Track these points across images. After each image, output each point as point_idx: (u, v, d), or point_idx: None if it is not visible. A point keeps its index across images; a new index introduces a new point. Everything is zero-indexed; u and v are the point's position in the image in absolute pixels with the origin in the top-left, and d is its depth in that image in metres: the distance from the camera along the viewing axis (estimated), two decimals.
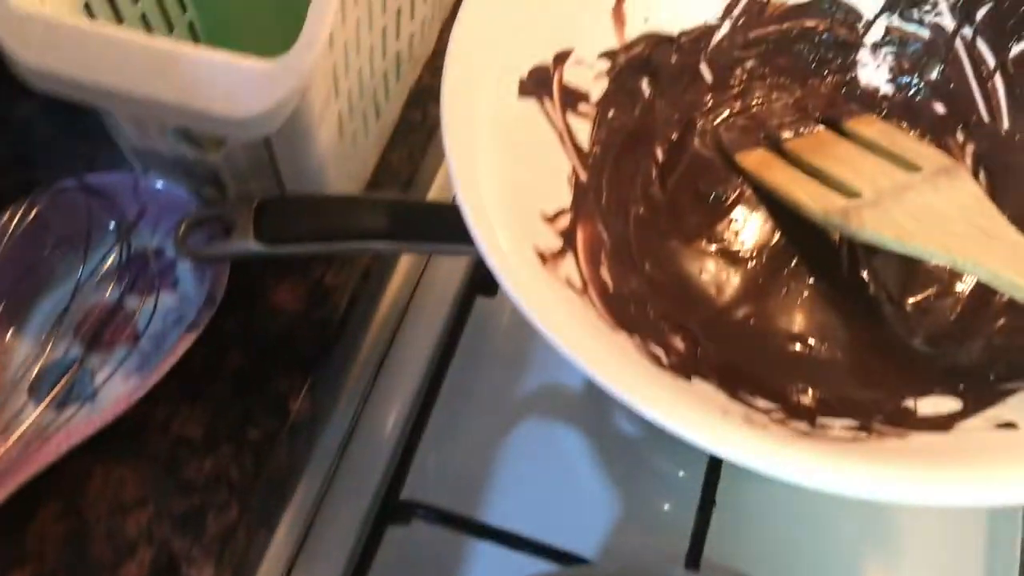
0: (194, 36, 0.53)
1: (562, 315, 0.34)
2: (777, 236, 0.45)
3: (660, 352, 0.38)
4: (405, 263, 0.57)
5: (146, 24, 0.49)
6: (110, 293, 0.48)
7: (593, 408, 0.55)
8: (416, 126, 0.56)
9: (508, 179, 0.38)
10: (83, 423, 0.44)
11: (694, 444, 0.30)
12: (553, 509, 0.50)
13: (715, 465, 0.49)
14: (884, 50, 0.49)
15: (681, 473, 0.51)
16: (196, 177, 0.48)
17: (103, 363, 0.47)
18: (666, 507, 0.50)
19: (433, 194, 0.58)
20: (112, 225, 0.49)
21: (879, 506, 0.50)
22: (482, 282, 0.56)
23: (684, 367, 0.38)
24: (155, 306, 0.48)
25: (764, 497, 0.50)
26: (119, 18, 0.47)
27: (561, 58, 0.44)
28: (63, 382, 0.46)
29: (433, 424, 0.51)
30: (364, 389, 0.54)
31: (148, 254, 0.49)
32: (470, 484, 0.51)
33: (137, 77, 0.38)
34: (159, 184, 0.49)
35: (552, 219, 0.40)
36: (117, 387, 0.46)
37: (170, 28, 0.51)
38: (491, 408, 0.55)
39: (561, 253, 0.39)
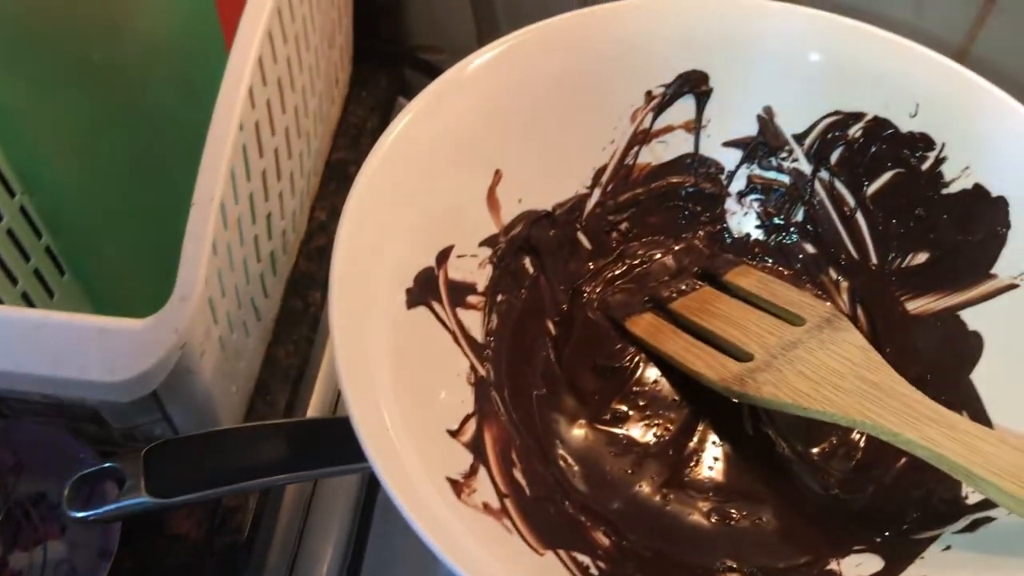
0: (53, 259, 0.50)
1: (486, 559, 0.33)
2: (678, 400, 0.46)
3: (588, 560, 0.37)
4: None
5: None
6: None
7: None
8: (298, 314, 0.55)
9: (408, 399, 0.38)
10: None
11: None
12: None
13: None
14: (750, 198, 0.51)
15: None
16: (74, 417, 0.45)
17: None
18: None
19: (323, 383, 0.56)
20: None
21: None
22: None
23: (614, 573, 0.37)
24: (44, 560, 0.45)
25: None
26: None
27: (444, 256, 0.43)
28: None
29: None
30: None
31: (27, 503, 0.46)
32: None
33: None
34: (33, 429, 0.46)
35: (457, 432, 0.39)
36: None
37: (27, 258, 0.49)
38: None
39: (473, 472, 0.38)
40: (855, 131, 0.48)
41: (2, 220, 0.46)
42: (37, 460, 0.46)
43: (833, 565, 0.40)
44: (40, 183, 0.45)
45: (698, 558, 0.40)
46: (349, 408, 0.34)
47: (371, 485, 0.55)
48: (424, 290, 0.42)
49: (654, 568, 0.39)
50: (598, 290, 0.49)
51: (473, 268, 0.45)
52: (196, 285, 0.37)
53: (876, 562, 0.39)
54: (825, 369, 0.42)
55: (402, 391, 0.38)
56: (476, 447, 0.39)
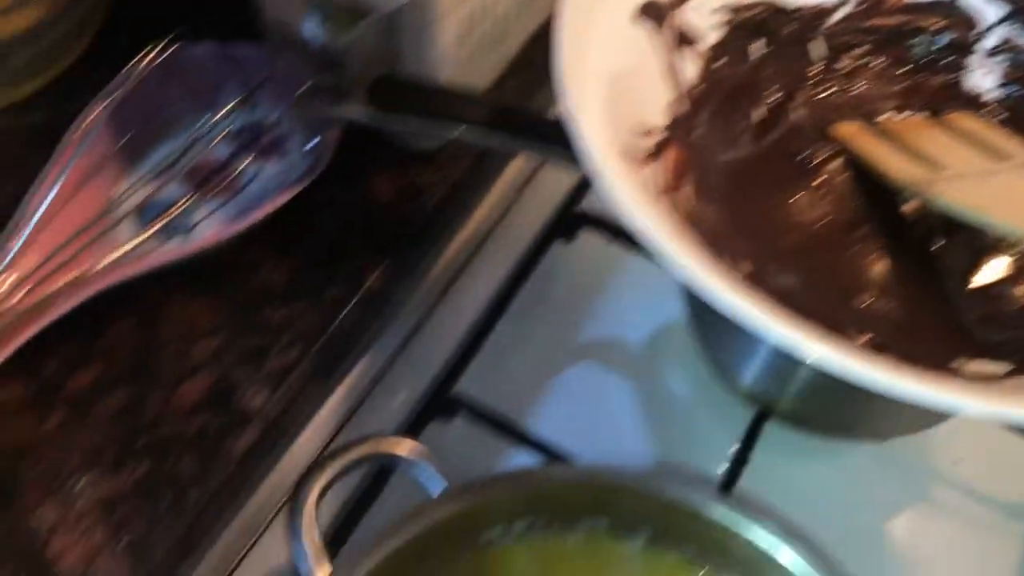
0: None
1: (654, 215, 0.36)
2: (855, 203, 0.46)
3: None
4: (498, 186, 0.59)
5: None
6: (223, 150, 0.52)
7: (647, 366, 0.56)
8: (533, 65, 0.59)
9: (610, 95, 0.41)
10: (174, 251, 0.47)
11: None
12: (591, 438, 0.52)
13: (756, 427, 0.51)
14: (997, 58, 0.50)
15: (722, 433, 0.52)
16: (323, 63, 0.51)
17: (204, 207, 0.50)
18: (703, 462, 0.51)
19: None
20: (236, 89, 0.52)
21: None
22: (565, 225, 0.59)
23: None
24: (262, 170, 0.52)
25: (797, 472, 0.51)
26: None
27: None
28: (166, 216, 0.49)
29: (495, 339, 0.54)
30: (441, 288, 0.57)
31: (264, 124, 0.53)
32: (517, 400, 0.53)
33: None
34: (287, 61, 0.52)
35: (647, 133, 0.42)
36: (212, 228, 0.49)
37: None
38: (550, 346, 0.57)
39: (652, 157, 0.41)
40: None
41: None
42: (282, 91, 0.52)
43: (955, 364, 0.40)
44: None
45: (829, 318, 0.41)
46: (557, 63, 0.38)
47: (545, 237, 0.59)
48: (653, 15, 0.45)
49: (788, 297, 0.40)
50: (815, 98, 0.50)
51: (705, 24, 0.47)
52: None
53: (1002, 367, 0.39)
54: (1016, 192, 0.41)
55: (607, 89, 0.41)
56: (659, 150, 0.42)
